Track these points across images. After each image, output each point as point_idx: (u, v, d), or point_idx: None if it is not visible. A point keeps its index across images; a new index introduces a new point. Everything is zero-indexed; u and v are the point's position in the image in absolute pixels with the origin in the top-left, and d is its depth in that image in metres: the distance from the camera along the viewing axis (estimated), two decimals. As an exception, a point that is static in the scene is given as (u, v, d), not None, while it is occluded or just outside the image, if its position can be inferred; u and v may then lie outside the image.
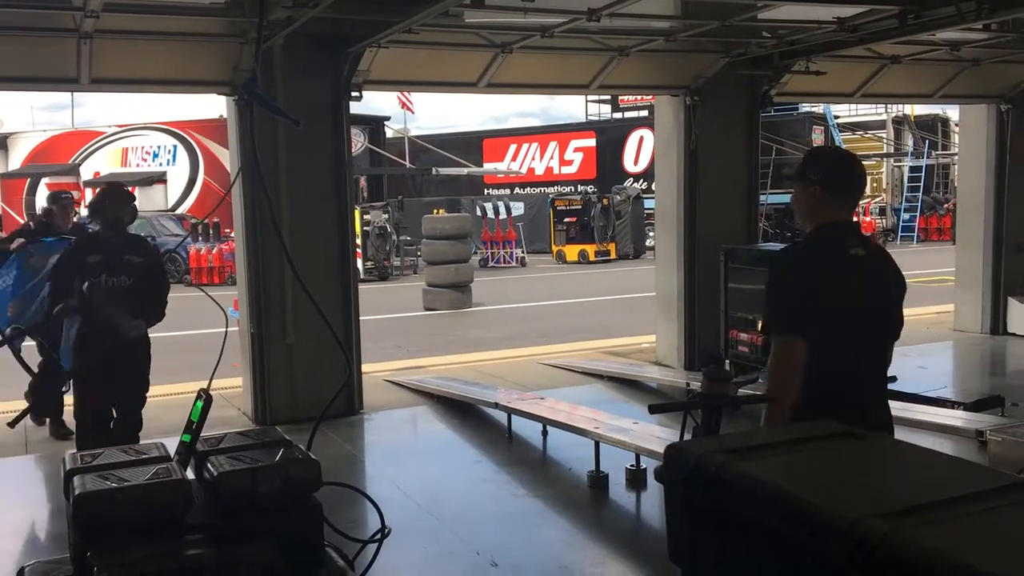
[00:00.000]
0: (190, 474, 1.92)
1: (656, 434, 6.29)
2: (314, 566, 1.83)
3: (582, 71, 8.41)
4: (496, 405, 7.38)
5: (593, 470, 5.88)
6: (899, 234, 30.16)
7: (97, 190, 5.77)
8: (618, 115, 34.79)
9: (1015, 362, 10.24)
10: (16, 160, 31.34)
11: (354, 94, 7.66)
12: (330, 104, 7.58)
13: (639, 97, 32.12)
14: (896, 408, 6.87)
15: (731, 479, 1.92)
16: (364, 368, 8.45)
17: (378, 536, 2.01)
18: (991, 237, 10.64)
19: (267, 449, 1.97)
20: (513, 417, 7.18)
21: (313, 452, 6.34)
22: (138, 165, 29.53)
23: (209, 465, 1.85)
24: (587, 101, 34.49)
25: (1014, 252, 10.62)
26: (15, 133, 32.59)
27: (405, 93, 28.59)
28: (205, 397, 2.10)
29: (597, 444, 5.96)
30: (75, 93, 26.67)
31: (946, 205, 29.57)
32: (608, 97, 33.28)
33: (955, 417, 7.02)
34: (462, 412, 8.03)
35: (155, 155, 29.61)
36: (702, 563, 2.00)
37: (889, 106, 32.56)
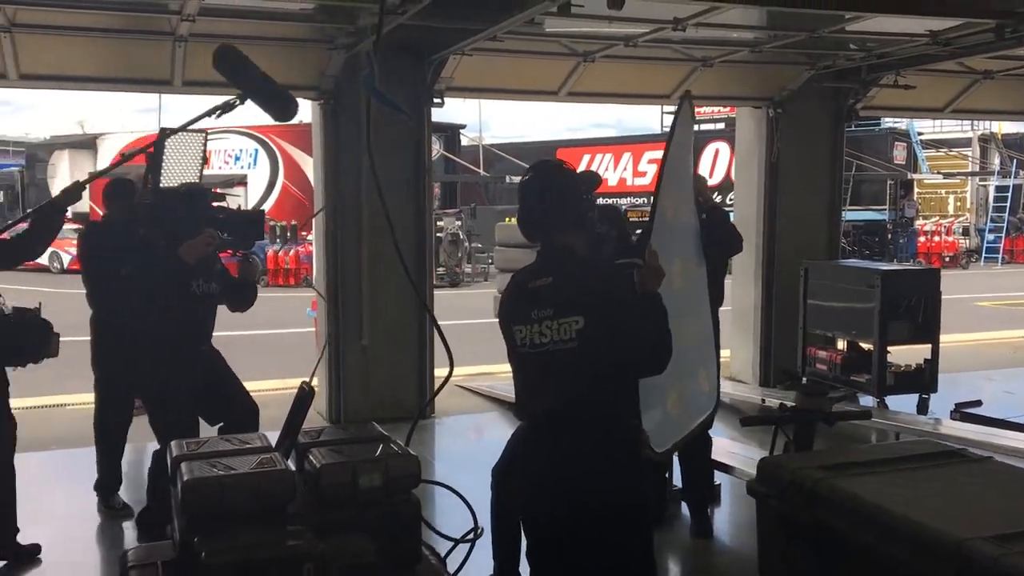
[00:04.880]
0: (291, 466, 1.95)
1: (730, 449, 6.21)
2: (410, 562, 1.84)
3: (663, 81, 8.35)
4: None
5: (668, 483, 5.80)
6: (983, 255, 29.25)
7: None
8: (695, 127, 34.45)
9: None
10: (104, 160, 32.33)
11: (436, 100, 7.75)
12: (412, 110, 7.65)
13: (716, 110, 31.76)
14: (982, 433, 6.65)
15: (829, 495, 1.88)
16: (436, 372, 8.49)
17: (470, 536, 2.01)
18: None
19: (366, 444, 2.00)
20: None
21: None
22: (220, 168, 30.21)
23: (311, 457, 1.88)
24: (663, 113, 34.16)
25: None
26: (104, 134, 33.67)
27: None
28: (308, 390, 2.14)
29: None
30: (163, 96, 27.42)
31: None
32: (673, 108, 32.95)
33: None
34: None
35: (236, 158, 30.28)
36: (795, 571, 1.96)
37: (976, 123, 31.63)
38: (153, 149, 4.92)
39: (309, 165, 27.35)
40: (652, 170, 32.52)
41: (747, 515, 5.98)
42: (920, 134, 31.67)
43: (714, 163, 31.17)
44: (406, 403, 7.94)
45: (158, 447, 5.29)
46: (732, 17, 6.73)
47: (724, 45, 7.74)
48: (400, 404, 7.92)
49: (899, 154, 30.36)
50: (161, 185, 4.90)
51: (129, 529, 5.31)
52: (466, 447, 7.66)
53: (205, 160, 5.13)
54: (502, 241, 15.91)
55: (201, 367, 4.99)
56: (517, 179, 28.12)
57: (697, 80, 8.25)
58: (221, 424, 5.52)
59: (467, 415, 8.36)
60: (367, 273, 7.67)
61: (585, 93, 8.18)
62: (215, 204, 5.03)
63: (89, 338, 5.63)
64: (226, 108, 2.79)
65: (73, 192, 4.12)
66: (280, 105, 2.62)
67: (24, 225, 4.52)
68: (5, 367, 4.35)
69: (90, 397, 5.83)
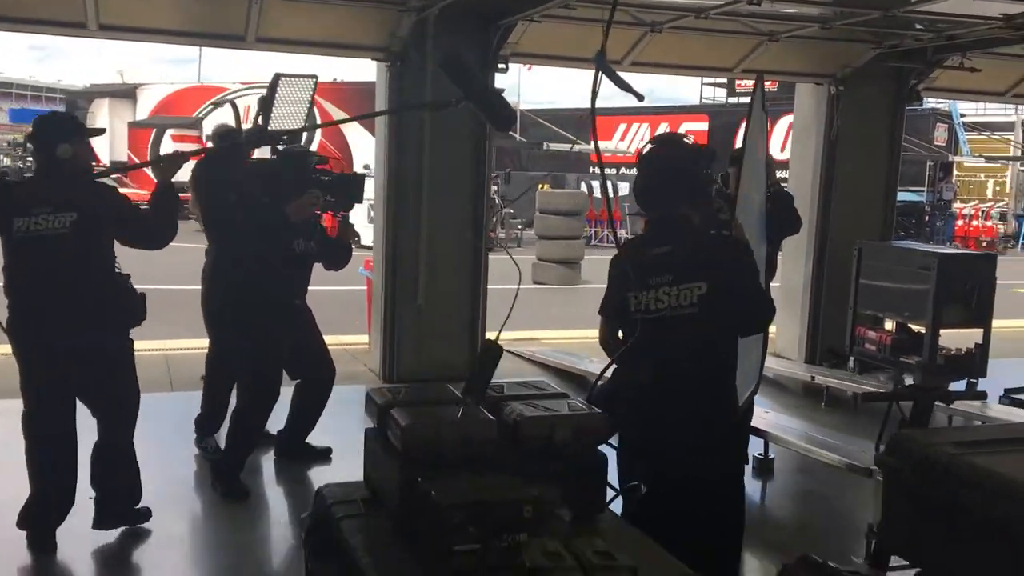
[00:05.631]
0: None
1: (784, 423, 6.29)
2: (595, 511, 1.95)
3: (728, 54, 8.33)
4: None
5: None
6: (1020, 241, 28.96)
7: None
8: (733, 100, 34.16)
9: None
10: (143, 111, 32.53)
11: (500, 66, 7.77)
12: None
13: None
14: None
15: (965, 471, 1.95)
16: (487, 335, 8.59)
17: (631, 488, 2.14)
18: None
19: (554, 400, 2.10)
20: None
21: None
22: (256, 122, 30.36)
23: (508, 410, 1.98)
24: (702, 84, 33.93)
25: None
26: (144, 84, 33.81)
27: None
28: (496, 347, 2.23)
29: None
30: (218, 49, 27.50)
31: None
32: (724, 81, 32.68)
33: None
34: (578, 387, 8.14)
35: (274, 114, 30.40)
36: (927, 549, 2.04)
37: (1019, 107, 31.14)
38: (267, 92, 5.07)
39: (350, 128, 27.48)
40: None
41: (799, 485, 6.12)
42: (963, 116, 31.24)
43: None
44: (457, 364, 8.07)
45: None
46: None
47: (792, 20, 7.71)
48: (451, 365, 8.05)
49: (940, 135, 29.98)
50: (270, 127, 5.04)
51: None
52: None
53: (312, 106, 5.24)
54: (543, 208, 16.02)
55: (296, 323, 5.19)
56: (556, 146, 28.11)
57: (762, 55, 8.23)
58: (299, 380, 5.71)
59: (515, 379, 8.44)
60: (425, 235, 7.76)
61: (648, 63, 8.17)
62: (319, 167, 5.18)
63: (202, 287, 5.87)
64: (440, 106, 2.91)
65: (174, 161, 4.24)
66: (501, 115, 2.70)
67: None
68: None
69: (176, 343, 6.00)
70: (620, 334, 3.61)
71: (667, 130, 33.42)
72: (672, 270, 3.10)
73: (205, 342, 6.11)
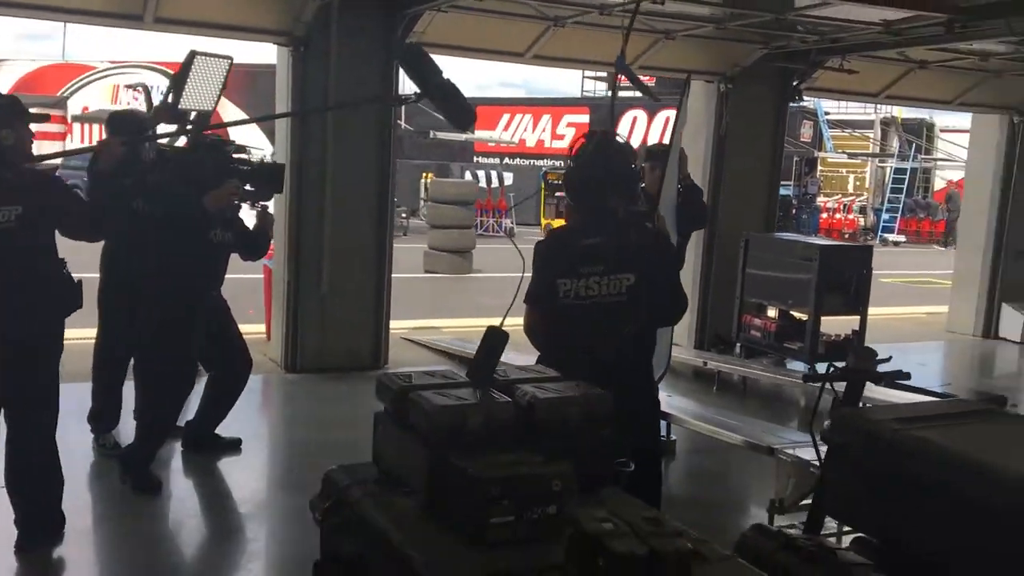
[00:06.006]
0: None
1: (684, 406, 6.57)
2: (600, 484, 2.07)
3: (627, 50, 8.55)
4: (525, 369, 7.61)
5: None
6: (879, 233, 30.70)
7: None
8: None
9: (1004, 365, 10.68)
10: (2, 88, 30.78)
11: (405, 54, 7.78)
12: (381, 63, 7.68)
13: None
14: (909, 399, 7.17)
15: (909, 444, 2.15)
16: (392, 324, 8.57)
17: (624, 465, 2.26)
18: (992, 243, 11.01)
19: (560, 383, 2.19)
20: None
21: (348, 403, 6.57)
22: (129, 103, 29.09)
23: (520, 392, 2.07)
24: (583, 77, 34.48)
25: (1013, 259, 11.00)
26: (3, 60, 31.95)
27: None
28: (501, 333, 2.31)
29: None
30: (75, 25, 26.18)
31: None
32: (604, 74, 33.31)
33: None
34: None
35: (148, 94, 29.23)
36: (871, 514, 2.24)
37: (878, 107, 32.97)
38: (180, 69, 4.93)
39: (226, 108, 26.67)
40: (571, 133, 32.89)
41: (700, 464, 6.41)
42: (827, 114, 32.84)
43: (631, 130, 31.72)
44: (362, 353, 8.07)
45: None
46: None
47: (690, 20, 8.00)
48: (355, 354, 8.05)
49: (806, 132, 31.47)
50: (180, 107, 4.92)
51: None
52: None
53: (224, 87, 5.12)
54: (435, 197, 16.05)
55: (212, 314, 5.11)
56: (442, 134, 28.05)
57: (657, 52, 8.51)
58: (213, 372, 5.61)
59: (420, 368, 8.49)
60: (330, 222, 7.71)
61: (549, 57, 8.35)
62: (236, 156, 5.09)
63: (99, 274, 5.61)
64: (399, 102, 2.90)
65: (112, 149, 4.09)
66: (457, 113, 2.71)
67: None
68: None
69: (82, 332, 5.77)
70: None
71: (549, 121, 33.91)
72: (603, 261, 3.28)
73: (93, 331, 5.88)
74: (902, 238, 28.77)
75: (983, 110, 10.92)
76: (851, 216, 29.69)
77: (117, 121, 5.84)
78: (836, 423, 2.30)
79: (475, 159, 32.29)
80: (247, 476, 5.89)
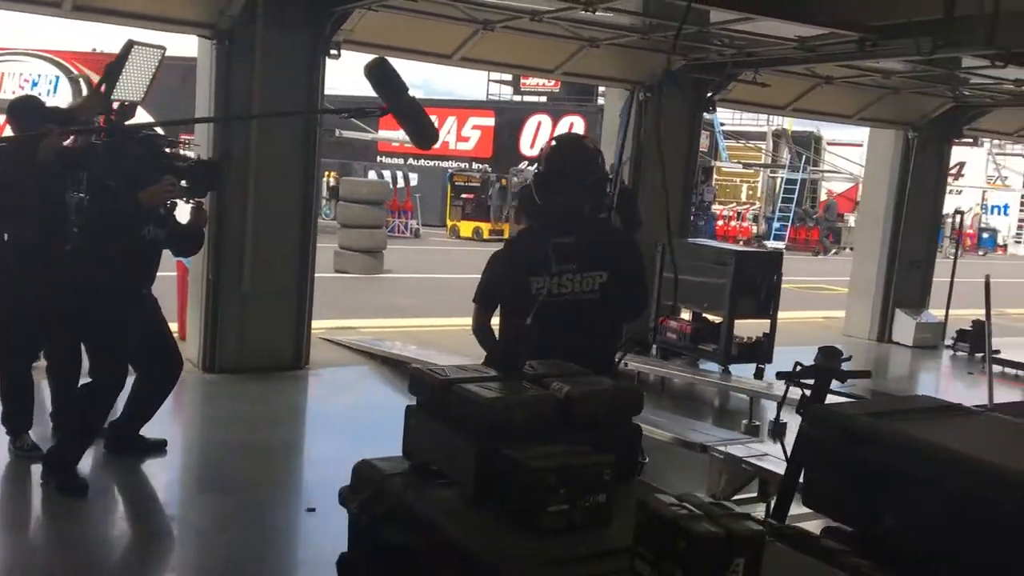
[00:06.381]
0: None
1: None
2: (631, 474, 2.13)
3: (552, 56, 8.71)
4: (451, 370, 7.66)
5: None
6: (771, 240, 31.79)
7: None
8: (518, 97, 35.22)
9: (897, 367, 11.26)
10: None
11: (332, 52, 7.71)
12: (307, 60, 7.60)
13: (541, 83, 32.58)
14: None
15: (886, 437, 2.29)
16: (313, 324, 8.47)
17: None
18: (887, 252, 11.59)
19: (588, 378, 2.24)
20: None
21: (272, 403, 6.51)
22: (14, 92, 27.78)
23: (556, 387, 2.10)
24: (489, 80, 34.65)
25: (906, 268, 11.60)
26: None
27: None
28: (520, 328, 2.33)
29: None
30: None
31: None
32: (509, 78, 33.58)
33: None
34: (404, 373, 8.28)
35: (34, 83, 27.87)
36: (848, 503, 2.38)
37: (771, 119, 34.17)
38: (116, 59, 4.77)
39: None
40: (476, 136, 33.02)
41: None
42: (722, 124, 33.86)
43: (536, 134, 32.03)
44: (283, 354, 7.95)
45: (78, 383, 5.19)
46: (637, 4, 7.16)
47: (615, 29, 8.18)
48: (276, 354, 7.92)
49: (703, 142, 32.38)
50: (112, 97, 4.76)
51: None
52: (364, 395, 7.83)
53: (154, 78, 4.98)
54: (346, 196, 15.89)
55: (143, 312, 4.97)
56: (348, 133, 27.70)
57: (581, 59, 8.67)
58: (141, 371, 5.44)
59: (341, 368, 8.45)
60: (252, 219, 7.57)
61: (477, 60, 8.41)
62: (168, 150, 4.95)
63: None
64: (364, 114, 2.89)
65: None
66: (423, 131, 2.71)
67: None
68: None
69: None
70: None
71: (455, 123, 33.94)
72: (576, 259, 3.36)
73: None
74: (780, 245, 29.81)
75: (881, 125, 11.48)
76: (745, 224, 30.68)
77: (21, 109, 5.50)
78: (811, 419, 2.43)
79: (378, 159, 32.06)
80: (173, 477, 5.77)
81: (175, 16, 7.24)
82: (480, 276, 4.14)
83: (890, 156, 11.49)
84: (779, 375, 2.98)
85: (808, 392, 2.86)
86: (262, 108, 7.42)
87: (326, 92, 8.07)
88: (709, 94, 9.71)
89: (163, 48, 5.14)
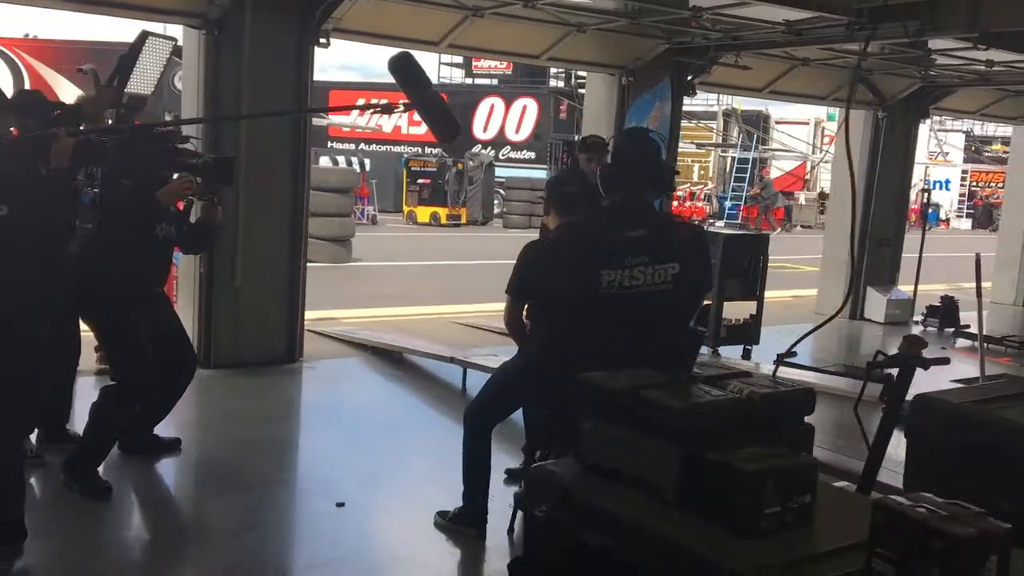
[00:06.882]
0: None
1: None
2: None
3: (538, 42, 8.70)
4: (452, 360, 7.66)
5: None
6: (724, 220, 32.18)
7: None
8: (469, 80, 35.06)
9: (870, 342, 11.51)
10: None
11: (322, 40, 7.60)
12: (296, 48, 7.49)
13: (493, 65, 32.44)
14: (802, 376, 7.64)
15: (995, 422, 2.36)
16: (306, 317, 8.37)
17: None
18: (857, 231, 11.80)
19: (756, 378, 2.26)
20: (468, 371, 7.51)
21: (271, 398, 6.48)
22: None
23: (732, 387, 2.12)
24: (440, 63, 34.38)
25: (876, 246, 11.86)
26: None
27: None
28: (697, 332, 2.34)
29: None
30: None
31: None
32: (460, 60, 33.40)
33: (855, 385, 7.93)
34: (396, 363, 8.27)
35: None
36: (954, 484, 2.44)
37: (721, 98, 34.52)
38: (129, 50, 4.65)
39: (60, 84, 25.00)
40: (429, 120, 32.81)
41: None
42: (674, 105, 34.08)
43: (488, 118, 31.96)
44: (276, 348, 7.87)
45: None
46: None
47: (602, 13, 8.19)
48: (270, 348, 7.84)
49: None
50: (126, 90, 4.65)
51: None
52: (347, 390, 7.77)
53: (164, 71, 4.87)
54: (316, 185, 15.65)
55: (157, 311, 4.89)
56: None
57: (566, 45, 8.68)
58: (159, 371, 5.33)
59: (333, 360, 8.38)
60: (243, 212, 7.46)
61: (465, 47, 8.38)
62: (179, 146, 4.85)
63: None
64: (385, 110, 2.85)
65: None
66: (445, 125, 2.68)
67: None
68: None
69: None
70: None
71: (404, 104, 33.66)
72: (648, 251, 3.38)
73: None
74: (721, 223, 30.10)
75: (853, 106, 11.67)
76: (700, 204, 31.02)
77: (29, 104, 5.35)
78: (915, 408, 2.49)
79: (329, 144, 31.70)
80: (188, 477, 5.71)
81: (163, 6, 7.08)
82: (514, 266, 4.15)
83: (859, 136, 11.70)
84: (870, 365, 3.04)
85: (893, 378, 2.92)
86: (251, 97, 7.30)
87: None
88: (690, 77, 9.78)
89: (175, 40, 5.04)
